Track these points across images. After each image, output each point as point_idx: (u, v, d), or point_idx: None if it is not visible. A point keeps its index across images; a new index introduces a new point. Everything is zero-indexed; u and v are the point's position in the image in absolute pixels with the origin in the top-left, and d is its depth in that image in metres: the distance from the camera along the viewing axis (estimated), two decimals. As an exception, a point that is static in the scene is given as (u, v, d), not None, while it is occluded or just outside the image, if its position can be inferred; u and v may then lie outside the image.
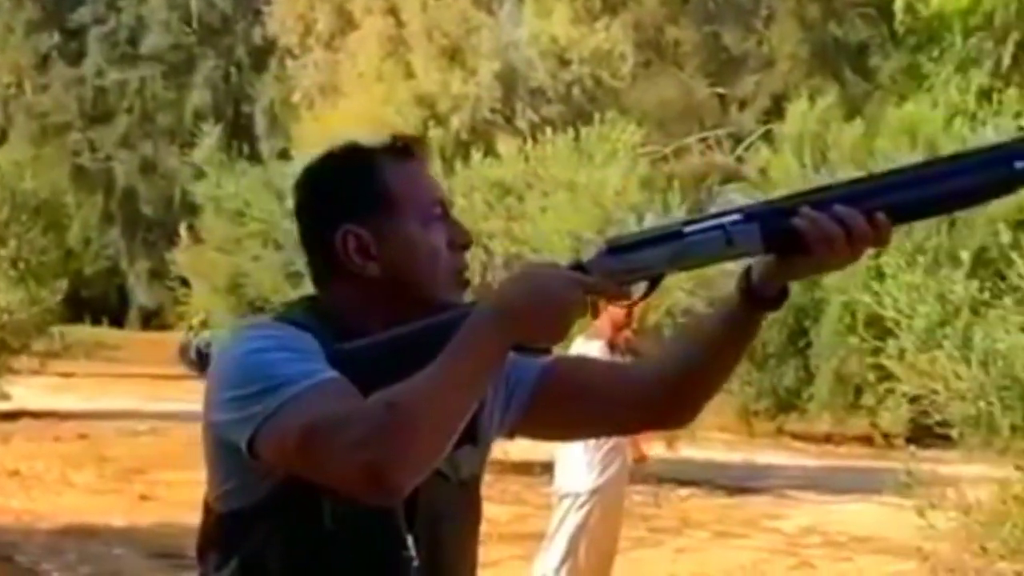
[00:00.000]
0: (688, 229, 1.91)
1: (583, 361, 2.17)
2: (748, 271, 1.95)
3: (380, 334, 1.91)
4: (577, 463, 6.60)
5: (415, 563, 1.92)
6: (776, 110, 20.35)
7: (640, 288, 1.96)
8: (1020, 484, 5.05)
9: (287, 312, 2.03)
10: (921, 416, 5.44)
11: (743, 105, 20.83)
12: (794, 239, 1.86)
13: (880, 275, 6.46)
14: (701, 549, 8.83)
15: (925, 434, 5.61)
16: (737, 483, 11.08)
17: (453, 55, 20.00)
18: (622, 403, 2.09)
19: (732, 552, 8.76)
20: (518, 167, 13.32)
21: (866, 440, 13.13)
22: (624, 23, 20.88)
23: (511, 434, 2.09)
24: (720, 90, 21.03)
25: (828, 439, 13.11)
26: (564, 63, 20.58)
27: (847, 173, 16.03)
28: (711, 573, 8.05)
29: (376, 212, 1.95)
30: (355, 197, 1.96)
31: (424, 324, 1.90)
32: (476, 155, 13.45)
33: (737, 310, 1.97)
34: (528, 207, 12.73)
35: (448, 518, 1.96)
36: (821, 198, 1.87)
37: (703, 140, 20.01)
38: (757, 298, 1.96)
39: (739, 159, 19.64)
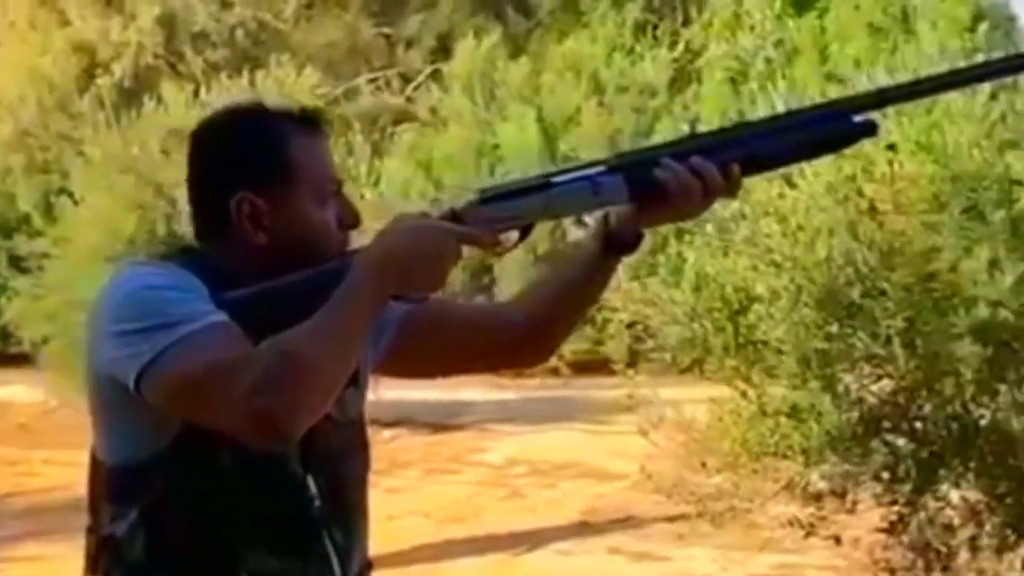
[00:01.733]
0: (557, 180, 1.99)
1: (447, 303, 2.22)
2: (606, 217, 2.04)
3: (263, 284, 1.91)
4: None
5: (316, 503, 1.97)
6: (442, 50, 20.49)
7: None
8: (733, 402, 5.31)
9: (167, 256, 2.00)
10: (636, 342, 5.65)
11: (409, 45, 20.89)
12: (655, 189, 1.96)
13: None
14: (413, 488, 8.95)
15: (641, 359, 5.82)
16: (439, 420, 11.24)
17: (110, 1, 19.29)
18: (483, 343, 2.20)
19: (444, 487, 8.92)
20: (193, 114, 13.01)
21: (553, 371, 13.51)
22: (284, -36, 20.57)
23: (379, 372, 2.12)
24: (386, 30, 21.02)
25: (519, 372, 13.43)
26: (226, 5, 20.15)
27: (518, 110, 16.07)
28: (427, 509, 8.18)
29: (275, 183, 1.96)
30: (258, 166, 1.96)
31: (305, 275, 1.93)
32: (149, 103, 13.05)
33: (595, 254, 2.10)
34: (207, 155, 12.46)
35: (344, 458, 2.02)
36: (679, 150, 1.98)
37: (372, 81, 19.99)
38: (615, 243, 2.09)
39: (409, 99, 19.73)
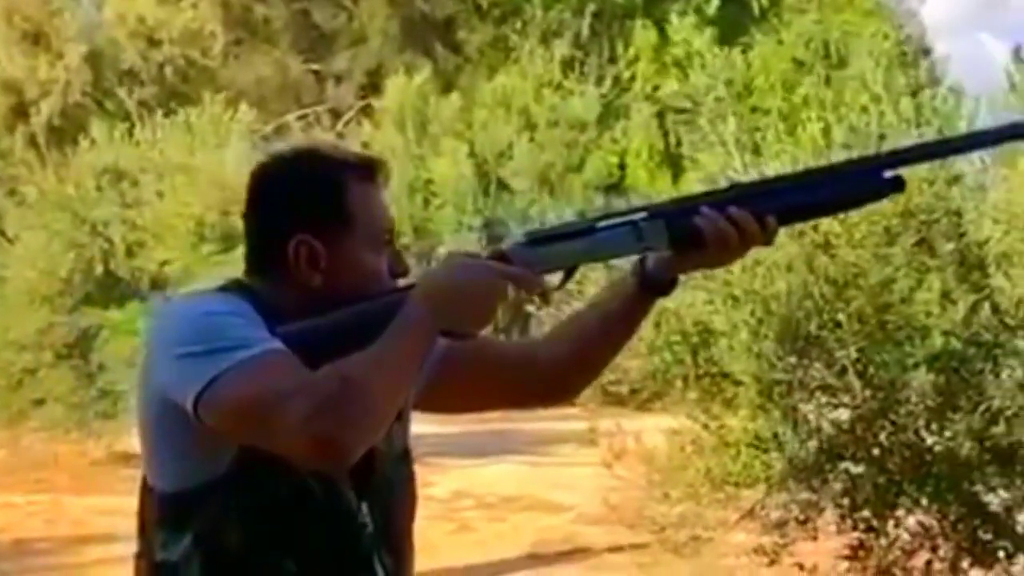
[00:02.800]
0: (601, 224, 2.05)
1: (483, 339, 2.26)
2: (643, 260, 2.10)
3: (314, 319, 1.96)
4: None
5: (368, 529, 2.01)
6: (372, 86, 20.56)
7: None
8: (693, 433, 5.41)
9: (223, 289, 2.05)
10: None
11: (339, 81, 20.96)
12: (694, 236, 2.03)
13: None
14: (363, 522, 8.94)
15: (601, 393, 5.90)
16: (382, 455, 11.25)
17: (37, 39, 19.18)
18: (518, 379, 2.24)
19: (392, 522, 8.91)
20: (128, 152, 12.96)
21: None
22: (211, 1, 20.59)
23: (415, 407, 2.16)
24: (315, 67, 21.07)
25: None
26: (153, 43, 20.12)
27: (451, 145, 16.15)
28: (381, 545, 8.19)
29: (333, 228, 2.00)
30: (318, 211, 2.00)
31: (359, 309, 1.97)
32: (83, 142, 13.00)
33: (630, 296, 2.14)
34: (143, 192, 12.44)
35: (393, 488, 2.07)
36: (717, 200, 2.05)
37: (303, 117, 20.02)
38: (650, 286, 2.13)
39: (340, 135, 19.79)
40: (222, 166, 12.52)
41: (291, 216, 2.00)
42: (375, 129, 17.99)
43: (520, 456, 11.09)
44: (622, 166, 19.16)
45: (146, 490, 2.01)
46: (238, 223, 10.31)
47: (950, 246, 5.40)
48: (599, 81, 19.95)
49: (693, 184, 19.05)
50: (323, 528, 1.98)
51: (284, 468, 1.90)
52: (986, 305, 5.36)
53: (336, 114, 20.21)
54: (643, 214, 2.06)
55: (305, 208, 2.01)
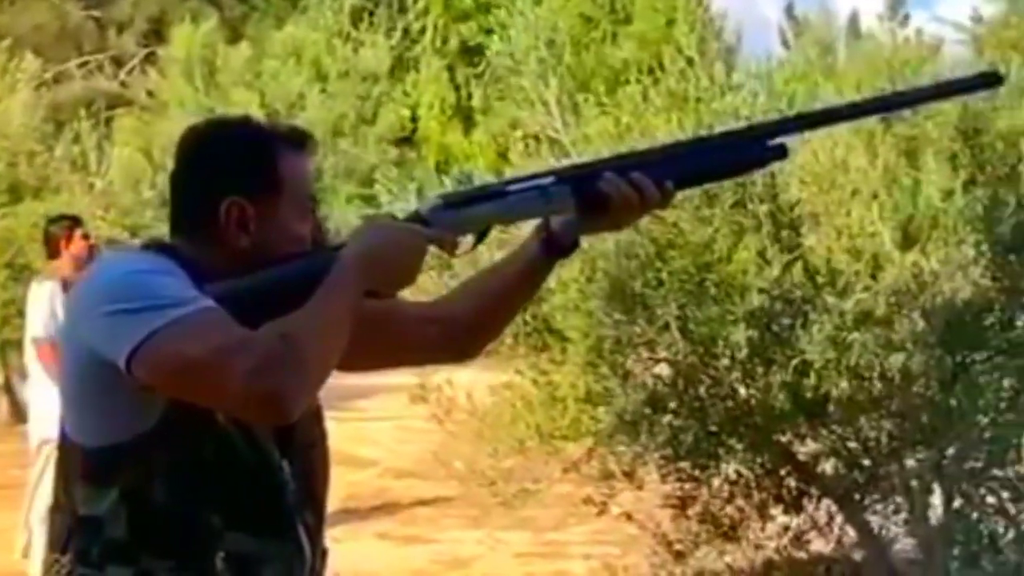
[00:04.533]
0: (512, 188, 2.15)
1: (391, 300, 2.30)
2: (546, 223, 2.19)
3: (244, 278, 2.01)
4: (53, 410, 6.43)
5: (290, 487, 2.07)
6: (156, 33, 20.09)
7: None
8: (522, 388, 5.53)
9: (146, 248, 2.10)
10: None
11: (121, 29, 20.42)
12: (598, 200, 2.14)
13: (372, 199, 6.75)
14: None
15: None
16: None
17: None
18: (421, 338, 2.32)
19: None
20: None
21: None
22: (-17, -57, 19.80)
23: None
24: (96, 13, 20.47)
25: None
26: (-78, -14, 19.27)
27: (241, 95, 15.86)
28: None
29: (264, 193, 2.06)
30: (252, 175, 2.06)
31: (288, 270, 2.04)
32: None
33: (533, 257, 2.25)
34: (-76, 143, 11.96)
35: (311, 446, 2.14)
36: (620, 164, 2.16)
37: (84, 64, 19.45)
38: (553, 247, 2.24)
39: (124, 83, 19.30)
40: (7, 116, 12.13)
41: (225, 178, 2.06)
42: (161, 78, 17.59)
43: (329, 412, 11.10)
44: (415, 118, 19.17)
45: (66, 445, 2.03)
46: (25, 175, 10.06)
47: (765, 207, 5.60)
48: (389, 33, 19.88)
49: (482, 137, 19.08)
50: (248, 485, 2.03)
51: (210, 425, 1.96)
52: (798, 264, 5.59)
53: (119, 62, 19.69)
54: (551, 178, 2.16)
55: (239, 171, 2.06)
